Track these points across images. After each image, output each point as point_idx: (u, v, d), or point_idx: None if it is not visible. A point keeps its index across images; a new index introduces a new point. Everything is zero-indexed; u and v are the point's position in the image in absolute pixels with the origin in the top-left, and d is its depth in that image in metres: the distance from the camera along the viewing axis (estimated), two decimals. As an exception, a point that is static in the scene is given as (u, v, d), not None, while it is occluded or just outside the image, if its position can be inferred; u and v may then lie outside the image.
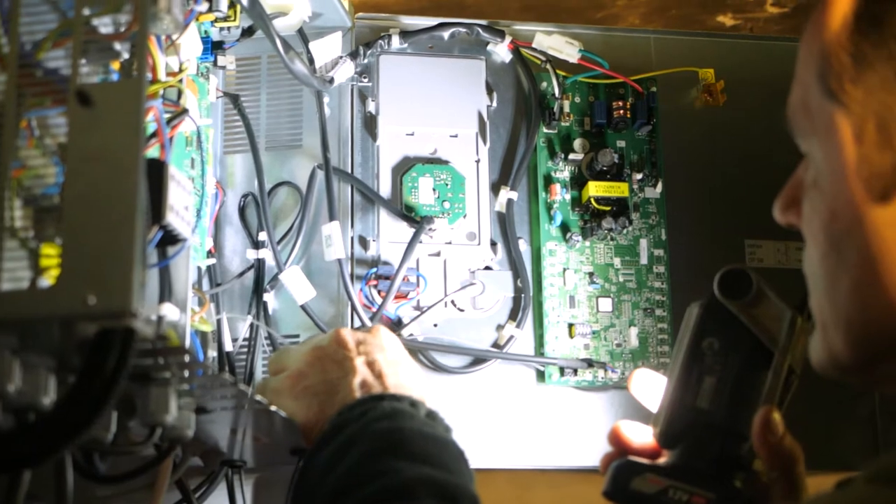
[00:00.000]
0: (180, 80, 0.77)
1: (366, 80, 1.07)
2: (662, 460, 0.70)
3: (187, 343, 0.73)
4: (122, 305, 0.50)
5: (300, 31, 1.01)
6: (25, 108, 0.62)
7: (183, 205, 0.68)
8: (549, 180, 1.06)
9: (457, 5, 1.22)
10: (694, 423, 0.69)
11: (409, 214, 1.02)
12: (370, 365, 0.80)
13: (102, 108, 0.53)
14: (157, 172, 0.66)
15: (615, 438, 0.72)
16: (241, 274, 1.01)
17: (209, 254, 0.99)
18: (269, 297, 1.01)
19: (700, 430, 0.69)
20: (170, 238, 0.69)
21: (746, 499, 0.67)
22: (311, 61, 1.01)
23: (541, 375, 1.02)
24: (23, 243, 0.59)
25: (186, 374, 0.66)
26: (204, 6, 0.85)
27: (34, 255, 0.59)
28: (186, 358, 0.60)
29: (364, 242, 1.03)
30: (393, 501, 0.65)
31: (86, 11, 0.60)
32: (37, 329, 0.52)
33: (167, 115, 0.75)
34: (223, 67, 1.03)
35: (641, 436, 0.72)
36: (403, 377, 0.81)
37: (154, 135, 0.70)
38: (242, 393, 0.69)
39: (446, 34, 1.09)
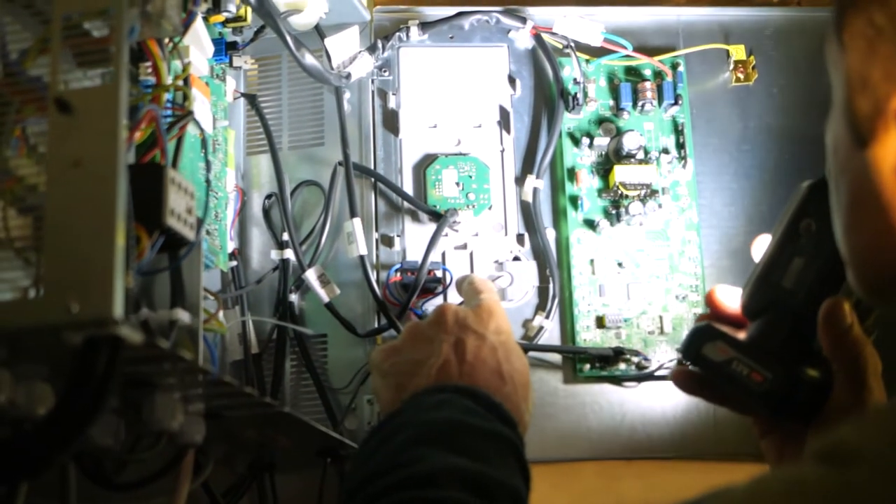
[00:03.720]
0: (184, 82, 0.76)
1: (386, 73, 1.06)
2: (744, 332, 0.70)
3: (201, 347, 0.72)
4: (104, 313, 0.49)
5: (317, 28, 1.00)
6: (22, 117, 0.62)
7: (185, 208, 0.67)
8: (574, 167, 1.04)
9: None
10: (773, 300, 0.68)
11: (434, 208, 1.01)
12: (457, 346, 0.79)
13: (82, 115, 0.53)
14: (155, 177, 0.65)
15: (710, 300, 0.73)
16: (261, 279, 1.01)
17: (232, 256, 0.98)
18: (294, 298, 1.00)
19: (777, 308, 0.68)
20: (174, 242, 0.68)
21: (808, 387, 0.65)
22: (329, 58, 0.99)
23: (573, 366, 1.00)
24: (18, 253, 0.59)
25: (200, 378, 0.65)
26: (204, 7, 0.84)
27: (31, 264, 0.59)
28: (185, 364, 0.59)
29: (388, 240, 1.01)
30: (416, 488, 0.64)
31: (73, 16, 0.59)
32: (24, 339, 0.52)
33: (172, 119, 0.74)
34: (238, 68, 1.02)
35: (736, 302, 0.72)
36: (487, 365, 0.78)
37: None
38: (251, 396, 0.68)
39: (466, 23, 1.07)
